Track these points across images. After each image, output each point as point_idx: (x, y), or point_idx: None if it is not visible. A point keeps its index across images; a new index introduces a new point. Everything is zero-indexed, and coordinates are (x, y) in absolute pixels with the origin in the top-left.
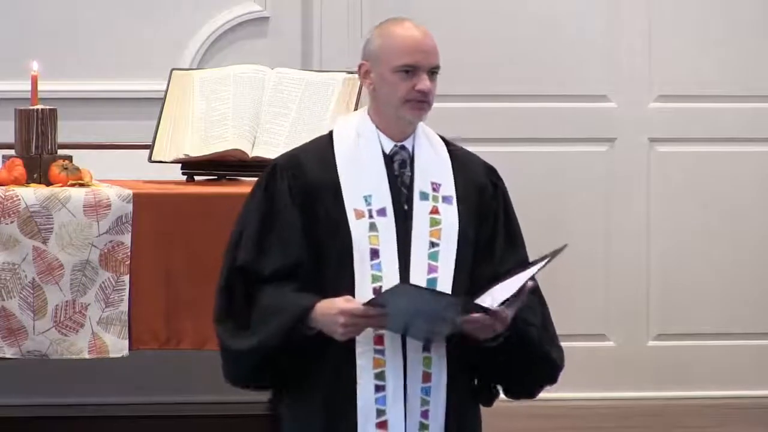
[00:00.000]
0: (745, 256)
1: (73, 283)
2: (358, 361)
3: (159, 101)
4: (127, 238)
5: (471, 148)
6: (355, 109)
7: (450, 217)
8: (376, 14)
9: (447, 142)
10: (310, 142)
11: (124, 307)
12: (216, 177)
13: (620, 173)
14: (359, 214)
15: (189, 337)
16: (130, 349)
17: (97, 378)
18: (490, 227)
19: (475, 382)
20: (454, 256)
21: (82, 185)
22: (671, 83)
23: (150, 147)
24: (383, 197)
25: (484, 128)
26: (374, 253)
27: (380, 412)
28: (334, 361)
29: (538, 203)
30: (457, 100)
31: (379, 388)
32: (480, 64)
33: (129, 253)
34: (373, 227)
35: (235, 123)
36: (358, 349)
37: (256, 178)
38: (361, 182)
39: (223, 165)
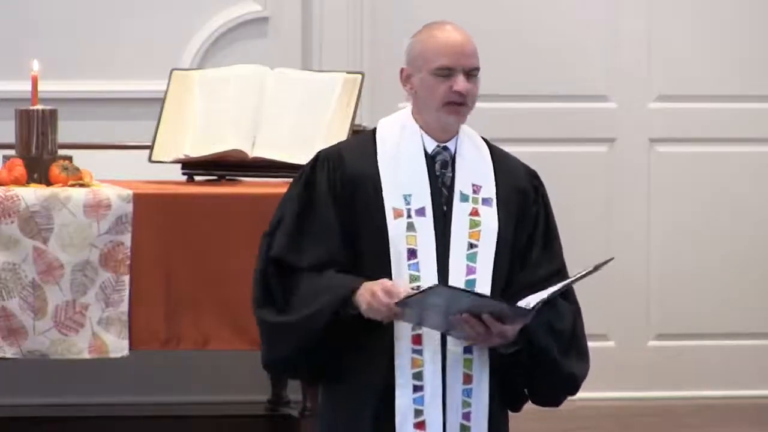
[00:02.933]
0: (745, 256)
1: (74, 283)
2: (396, 361)
3: (159, 101)
4: (127, 238)
5: None
6: (355, 109)
7: (489, 219)
8: (376, 14)
9: (489, 144)
10: (353, 137)
11: (124, 307)
12: (216, 177)
13: (620, 173)
14: (398, 213)
15: (189, 337)
16: (130, 349)
17: (97, 378)
18: (528, 232)
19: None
20: (492, 258)
21: (82, 185)
22: (671, 83)
23: (150, 147)
24: (423, 197)
25: (483, 128)
26: (412, 254)
27: (418, 413)
28: (374, 359)
29: None
30: None
31: (417, 388)
32: (480, 65)
33: (129, 253)
34: (411, 227)
35: (235, 123)
36: (397, 349)
37: (256, 179)
38: (402, 181)
39: (223, 165)
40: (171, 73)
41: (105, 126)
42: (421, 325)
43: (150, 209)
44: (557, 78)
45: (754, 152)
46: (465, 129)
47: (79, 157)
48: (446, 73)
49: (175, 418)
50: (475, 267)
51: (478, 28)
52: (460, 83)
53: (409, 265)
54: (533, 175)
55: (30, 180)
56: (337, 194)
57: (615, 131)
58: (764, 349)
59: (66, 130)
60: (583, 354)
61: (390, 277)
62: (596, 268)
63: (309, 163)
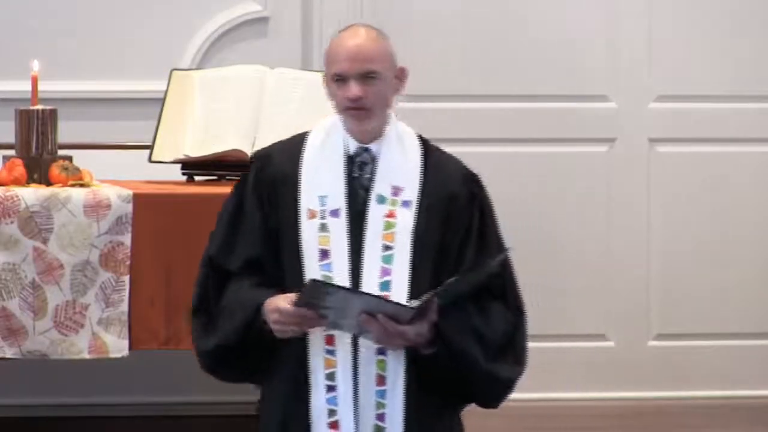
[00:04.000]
0: (745, 256)
1: (73, 283)
2: (310, 361)
3: (159, 101)
4: (127, 238)
5: (471, 149)
6: None
7: (405, 221)
8: (376, 14)
9: (428, 146)
10: (290, 137)
11: (124, 307)
12: (216, 177)
13: (620, 173)
14: (312, 214)
15: (189, 338)
16: (130, 349)
17: (97, 378)
18: (461, 236)
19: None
20: (408, 260)
21: (82, 185)
22: (671, 83)
23: (150, 147)
24: (338, 198)
25: (484, 128)
26: (324, 254)
27: (332, 413)
28: (290, 360)
29: (537, 203)
30: (458, 100)
31: (330, 389)
32: (480, 65)
33: (129, 253)
34: (324, 228)
35: (235, 123)
36: (311, 350)
37: None
38: (320, 181)
39: (223, 165)
40: (171, 73)
41: (105, 126)
42: (336, 328)
43: (150, 209)
44: (557, 78)
45: (754, 152)
46: (394, 130)
47: (79, 157)
48: (341, 79)
49: (175, 418)
50: (391, 269)
51: (477, 28)
52: (351, 90)
53: (321, 266)
54: (471, 179)
55: (30, 180)
56: (262, 194)
57: (615, 131)
58: (764, 349)
59: (66, 130)
60: (517, 358)
61: (302, 277)
62: (490, 266)
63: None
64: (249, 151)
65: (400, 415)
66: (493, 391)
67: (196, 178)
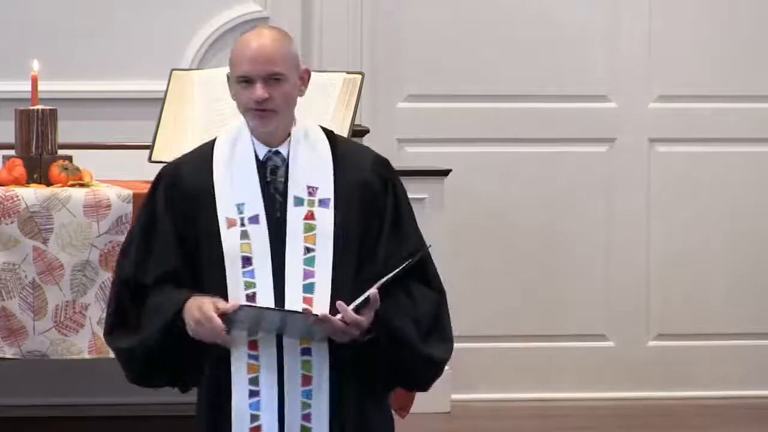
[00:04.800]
0: (745, 256)
1: (73, 283)
2: (233, 366)
3: (159, 101)
4: None
5: (471, 149)
6: (355, 109)
7: (325, 221)
8: (376, 14)
9: (334, 140)
10: (195, 149)
11: None
12: None
13: (620, 173)
14: (231, 223)
15: None
16: None
17: (97, 378)
18: (377, 225)
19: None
20: (330, 261)
21: (82, 185)
22: (671, 83)
23: (150, 147)
24: (255, 205)
25: (484, 128)
26: (246, 261)
27: (254, 417)
28: (214, 365)
29: (537, 203)
30: (458, 100)
31: (253, 393)
32: (480, 65)
33: None
34: (245, 235)
35: (234, 123)
36: (233, 354)
37: None
38: (234, 190)
39: None
40: (171, 73)
41: (105, 126)
42: (282, 334)
43: None
44: (557, 78)
45: (754, 152)
46: (301, 130)
47: (79, 157)
48: (246, 80)
49: (175, 418)
50: (313, 271)
51: (477, 29)
52: (257, 91)
53: (243, 273)
54: (382, 164)
55: (30, 180)
56: (175, 210)
57: (615, 131)
58: (764, 349)
59: (66, 130)
60: (445, 338)
61: (225, 285)
62: (413, 260)
63: (152, 182)
64: None
65: (326, 413)
66: (427, 372)
67: None
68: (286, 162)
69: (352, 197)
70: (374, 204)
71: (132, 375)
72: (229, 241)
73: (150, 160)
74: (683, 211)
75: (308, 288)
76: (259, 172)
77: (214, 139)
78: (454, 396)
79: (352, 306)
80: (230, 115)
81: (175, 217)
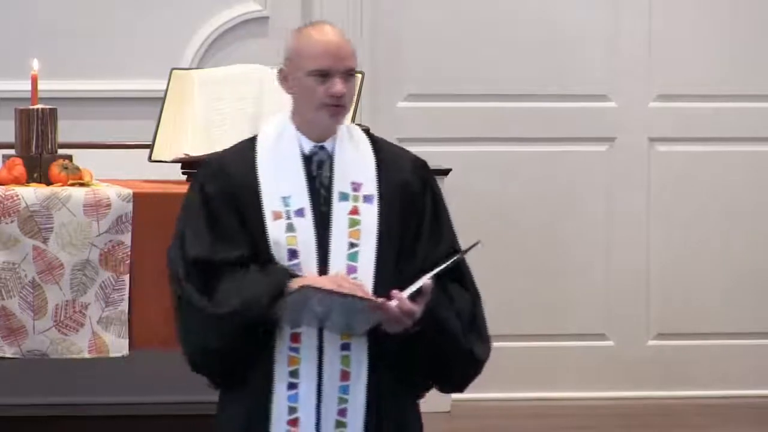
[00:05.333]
0: (744, 256)
1: (73, 282)
2: (275, 359)
3: (159, 101)
4: (127, 238)
5: (471, 148)
6: (355, 109)
7: (370, 216)
8: (376, 14)
9: (374, 139)
10: (236, 145)
11: (124, 306)
12: None
13: (620, 173)
14: (277, 215)
15: None
16: (130, 349)
17: (97, 378)
18: (415, 224)
19: (402, 376)
20: (374, 256)
21: (82, 185)
22: (671, 83)
23: (150, 147)
24: (301, 198)
25: (484, 128)
26: (293, 254)
27: (292, 410)
28: (257, 359)
29: (537, 203)
30: (457, 99)
31: (292, 386)
32: (480, 64)
33: (129, 253)
34: (290, 228)
35: (234, 123)
36: (276, 347)
37: None
38: (280, 184)
39: None
40: (171, 72)
41: (105, 126)
42: (323, 325)
43: (150, 209)
44: (557, 77)
45: (754, 152)
46: (344, 127)
47: (79, 157)
48: (323, 75)
49: (175, 418)
50: (357, 266)
51: (477, 28)
52: (338, 85)
53: (289, 266)
54: (421, 166)
55: (30, 179)
56: (229, 203)
57: (615, 131)
58: (764, 349)
59: (66, 130)
60: (484, 338)
61: None
62: (464, 252)
63: (197, 176)
64: None
65: (362, 409)
66: (468, 369)
67: None
68: (331, 157)
69: (393, 196)
70: (414, 204)
71: (205, 345)
72: (275, 233)
73: (150, 159)
74: (683, 211)
75: None
76: (304, 166)
77: (254, 136)
78: (454, 395)
79: (406, 294)
80: (230, 115)
81: (230, 208)
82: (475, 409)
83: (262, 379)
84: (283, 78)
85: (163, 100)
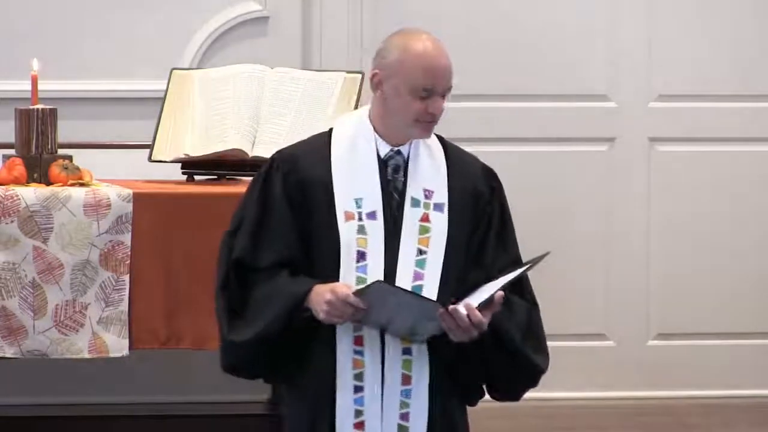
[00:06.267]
0: (745, 255)
1: (73, 282)
2: (338, 361)
3: (159, 101)
4: (127, 238)
5: (471, 148)
6: (355, 108)
7: (440, 225)
8: (376, 14)
9: (445, 144)
10: (310, 138)
11: (124, 306)
12: (216, 177)
13: (620, 173)
14: (349, 216)
15: (189, 337)
16: (130, 349)
17: (97, 378)
18: (483, 232)
19: (459, 382)
20: (440, 265)
21: (82, 185)
22: (671, 83)
23: (150, 147)
24: (374, 201)
25: (484, 128)
26: (361, 256)
27: (358, 413)
28: (318, 360)
29: (537, 202)
30: (457, 99)
31: (357, 389)
32: (480, 64)
33: (129, 253)
34: (361, 230)
35: (235, 123)
36: (339, 349)
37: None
38: (354, 184)
39: (223, 165)
40: (171, 72)
41: (105, 126)
42: (386, 327)
43: (150, 209)
44: (557, 77)
45: (755, 152)
46: None
47: (79, 157)
48: (426, 94)
49: (175, 418)
50: (423, 273)
51: (477, 28)
52: (439, 104)
53: (357, 267)
54: (490, 175)
55: (30, 179)
56: (292, 197)
57: (615, 131)
58: (764, 349)
59: (66, 130)
60: (542, 348)
61: (338, 278)
62: (534, 264)
63: (265, 165)
64: (249, 150)
65: (424, 413)
66: (525, 378)
67: (196, 177)
68: (406, 162)
69: (463, 204)
70: (483, 211)
71: (232, 365)
72: (347, 234)
73: (150, 159)
74: (683, 211)
75: (416, 289)
76: (379, 169)
77: (328, 131)
78: None
79: (476, 305)
80: (230, 115)
81: (292, 204)
82: (474, 410)
83: (324, 381)
84: (377, 83)
85: (163, 100)
